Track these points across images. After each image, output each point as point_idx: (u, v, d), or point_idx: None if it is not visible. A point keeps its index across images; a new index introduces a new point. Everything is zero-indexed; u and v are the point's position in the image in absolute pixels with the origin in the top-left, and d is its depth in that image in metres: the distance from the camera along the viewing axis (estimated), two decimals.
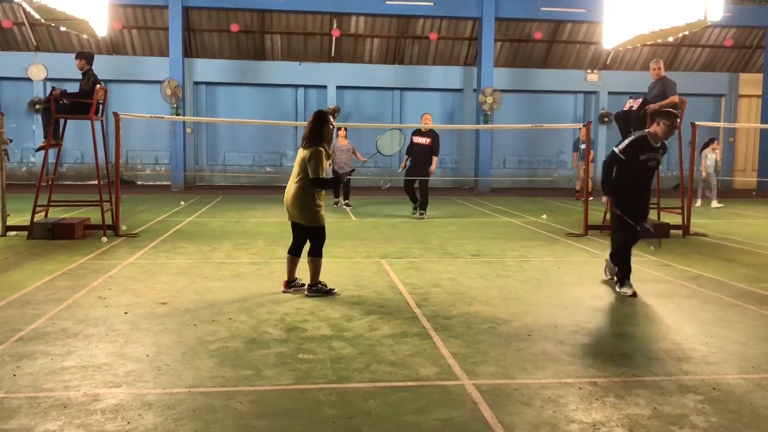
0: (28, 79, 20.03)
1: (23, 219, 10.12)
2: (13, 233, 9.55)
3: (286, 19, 20.43)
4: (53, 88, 9.60)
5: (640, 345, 4.74)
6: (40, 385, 3.74)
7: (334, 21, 20.39)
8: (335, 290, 6.14)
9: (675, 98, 9.54)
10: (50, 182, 10.17)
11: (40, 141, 10.90)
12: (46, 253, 8.06)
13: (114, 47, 20.52)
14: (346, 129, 14.58)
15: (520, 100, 22.09)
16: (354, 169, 7.78)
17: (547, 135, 22.57)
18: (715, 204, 15.66)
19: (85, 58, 9.60)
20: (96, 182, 10.33)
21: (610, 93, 22.05)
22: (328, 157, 5.99)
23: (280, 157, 21.81)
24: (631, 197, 6.43)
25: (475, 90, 21.32)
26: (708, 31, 21.35)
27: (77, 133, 18.52)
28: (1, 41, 20.18)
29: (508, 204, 15.87)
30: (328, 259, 7.21)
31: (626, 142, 6.40)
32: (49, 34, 20.07)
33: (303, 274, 6.22)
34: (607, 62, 22.14)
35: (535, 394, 3.72)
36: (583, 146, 15.38)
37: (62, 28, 12.76)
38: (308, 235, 6.07)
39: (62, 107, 9.50)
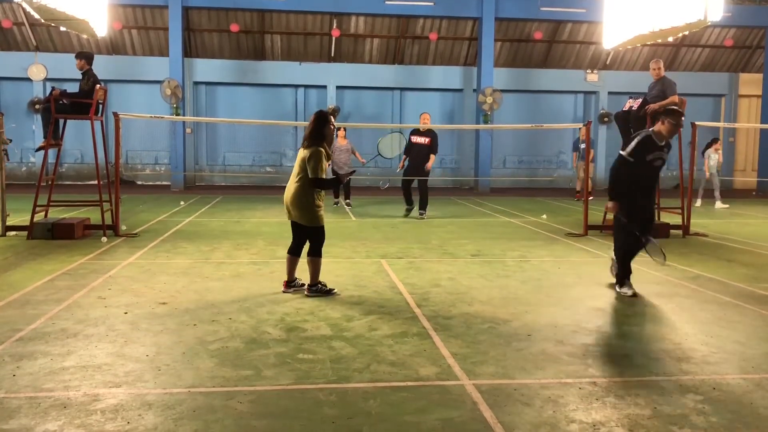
0: (28, 79, 20.04)
1: (23, 219, 10.11)
2: (12, 233, 9.55)
3: (286, 19, 20.43)
4: (53, 88, 9.59)
5: (640, 345, 4.73)
6: (40, 385, 3.74)
7: (334, 21, 20.39)
8: (335, 290, 6.14)
9: (675, 98, 9.53)
10: (50, 182, 10.16)
11: (39, 141, 10.90)
12: (45, 253, 8.06)
13: (114, 47, 20.52)
14: (345, 129, 14.57)
15: (520, 100, 22.09)
16: (354, 170, 7.75)
17: (547, 135, 22.57)
18: (719, 205, 15.59)
19: (85, 58, 9.60)
20: (96, 182, 10.33)
21: (610, 93, 22.05)
22: (329, 157, 6.00)
23: (280, 157, 21.81)
24: (639, 203, 6.30)
25: (475, 90, 21.32)
26: (708, 31, 21.36)
27: (77, 133, 18.52)
28: (1, 41, 20.18)
29: (508, 204, 15.87)
30: (328, 259, 7.21)
31: (633, 144, 6.25)
32: (49, 34, 20.07)
33: (303, 274, 6.22)
34: (607, 62, 22.14)
35: (535, 394, 3.72)
36: (583, 146, 15.37)
37: (62, 28, 12.78)
38: (308, 235, 6.08)
39: (62, 107, 9.50)
